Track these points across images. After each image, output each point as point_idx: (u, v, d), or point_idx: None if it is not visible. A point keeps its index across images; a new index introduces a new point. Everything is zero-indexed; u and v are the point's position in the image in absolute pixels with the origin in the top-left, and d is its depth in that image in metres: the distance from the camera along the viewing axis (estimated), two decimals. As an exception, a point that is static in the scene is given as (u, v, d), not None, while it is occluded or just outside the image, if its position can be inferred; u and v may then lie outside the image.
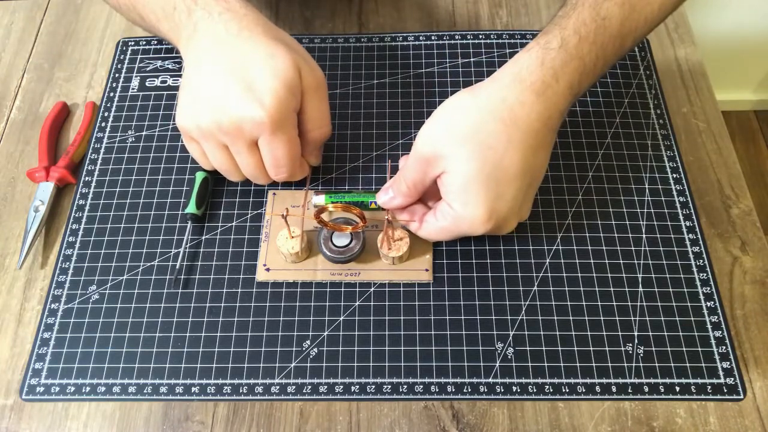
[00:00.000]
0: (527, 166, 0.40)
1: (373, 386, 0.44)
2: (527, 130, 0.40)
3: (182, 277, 0.48)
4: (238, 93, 0.42)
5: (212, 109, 0.42)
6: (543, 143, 0.41)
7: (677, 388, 0.43)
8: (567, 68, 0.41)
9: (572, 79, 0.41)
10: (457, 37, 0.61)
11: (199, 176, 0.50)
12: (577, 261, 0.48)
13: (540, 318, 0.46)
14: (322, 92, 0.46)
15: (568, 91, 0.41)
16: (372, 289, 0.47)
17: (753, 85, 1.46)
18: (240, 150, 0.44)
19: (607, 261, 0.48)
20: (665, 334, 0.45)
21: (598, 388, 0.43)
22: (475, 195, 0.40)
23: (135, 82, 0.58)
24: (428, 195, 0.46)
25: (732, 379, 0.43)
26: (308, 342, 0.45)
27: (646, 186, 0.51)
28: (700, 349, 0.44)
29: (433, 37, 0.61)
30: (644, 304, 0.46)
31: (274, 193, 0.51)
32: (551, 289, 0.47)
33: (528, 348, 0.45)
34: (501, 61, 0.59)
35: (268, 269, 0.48)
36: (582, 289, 0.47)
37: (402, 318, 0.46)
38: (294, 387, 0.44)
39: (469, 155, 0.39)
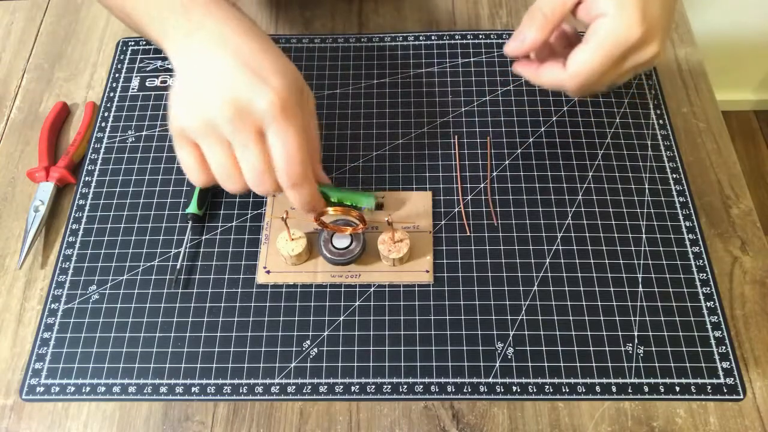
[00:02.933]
0: None
1: (373, 386, 0.44)
2: None
3: (182, 277, 0.48)
4: (245, 78, 0.40)
5: (218, 97, 0.40)
6: None
7: (677, 388, 0.43)
8: None
9: None
10: (457, 37, 0.61)
11: (199, 176, 0.50)
12: (577, 261, 0.48)
13: (540, 318, 0.46)
14: (315, 117, 0.46)
15: None
16: (372, 289, 0.47)
17: (753, 85, 1.46)
18: (246, 141, 0.40)
19: (607, 261, 0.48)
20: (665, 334, 0.45)
21: (598, 388, 0.43)
22: None
23: (135, 82, 0.58)
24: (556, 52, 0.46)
25: (732, 379, 0.43)
26: (308, 342, 0.45)
27: (646, 186, 0.51)
28: (700, 349, 0.44)
29: (433, 37, 0.61)
30: (644, 304, 0.46)
31: (274, 195, 0.51)
32: (551, 289, 0.47)
33: (528, 348, 0.45)
34: (501, 61, 0.59)
35: (268, 271, 0.48)
36: (582, 289, 0.47)
37: (402, 318, 0.46)
38: (294, 387, 0.44)
39: None
